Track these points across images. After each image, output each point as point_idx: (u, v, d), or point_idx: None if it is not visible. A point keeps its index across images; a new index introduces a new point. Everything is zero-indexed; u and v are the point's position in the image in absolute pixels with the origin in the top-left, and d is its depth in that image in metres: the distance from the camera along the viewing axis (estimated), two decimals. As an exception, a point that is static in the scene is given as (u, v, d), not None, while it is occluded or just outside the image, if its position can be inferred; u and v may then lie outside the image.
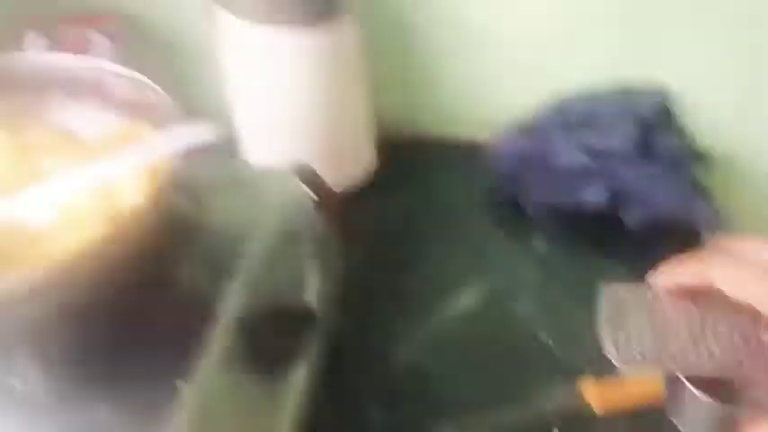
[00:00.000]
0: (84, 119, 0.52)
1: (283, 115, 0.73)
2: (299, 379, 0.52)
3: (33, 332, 0.39)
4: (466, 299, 0.67)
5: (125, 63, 0.50)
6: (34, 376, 0.40)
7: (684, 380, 0.37)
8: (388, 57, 0.84)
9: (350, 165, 0.79)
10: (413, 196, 0.79)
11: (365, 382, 0.60)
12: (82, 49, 0.80)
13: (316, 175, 0.65)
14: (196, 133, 0.41)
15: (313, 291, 0.57)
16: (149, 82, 0.48)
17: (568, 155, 0.72)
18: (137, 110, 0.50)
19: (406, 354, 0.62)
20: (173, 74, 0.61)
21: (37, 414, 0.40)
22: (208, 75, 0.76)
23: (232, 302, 0.47)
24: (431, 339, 0.64)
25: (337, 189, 0.66)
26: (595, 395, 0.52)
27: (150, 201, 0.43)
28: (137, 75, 0.49)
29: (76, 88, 0.52)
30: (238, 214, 0.54)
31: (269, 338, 0.49)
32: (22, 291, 0.36)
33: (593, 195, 0.70)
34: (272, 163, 0.65)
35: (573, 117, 0.76)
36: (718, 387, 0.37)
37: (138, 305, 0.45)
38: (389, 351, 0.62)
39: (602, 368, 0.41)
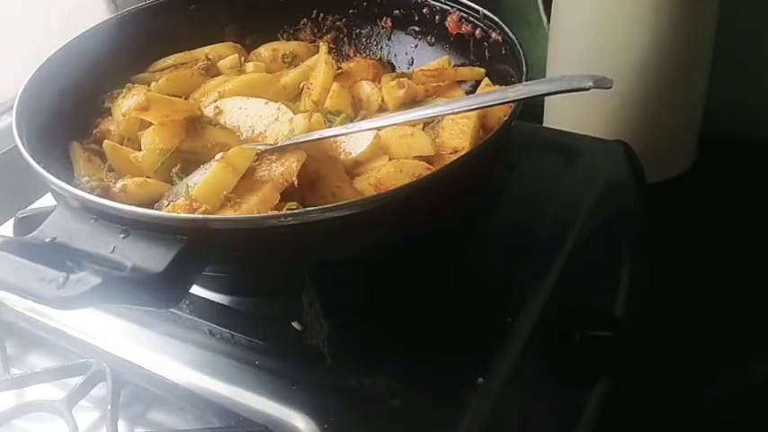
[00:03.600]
0: (408, 50, 0.48)
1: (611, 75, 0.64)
2: (597, 393, 0.43)
3: (326, 274, 0.33)
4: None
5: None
6: (316, 323, 0.34)
7: None
8: (740, 45, 0.71)
9: (668, 155, 0.68)
10: (730, 201, 0.66)
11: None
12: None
13: (636, 158, 0.55)
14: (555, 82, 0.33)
15: (623, 294, 0.47)
16: (498, 20, 0.41)
17: None
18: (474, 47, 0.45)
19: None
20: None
21: (307, 364, 0.35)
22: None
23: (537, 293, 0.39)
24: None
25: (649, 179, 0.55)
26: None
27: (474, 149, 0.36)
28: (487, 12, 0.43)
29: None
30: (555, 187, 0.46)
31: (571, 343, 0.41)
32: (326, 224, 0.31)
33: None
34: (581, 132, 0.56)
35: None
36: None
37: (440, 270, 0.39)
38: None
39: None
